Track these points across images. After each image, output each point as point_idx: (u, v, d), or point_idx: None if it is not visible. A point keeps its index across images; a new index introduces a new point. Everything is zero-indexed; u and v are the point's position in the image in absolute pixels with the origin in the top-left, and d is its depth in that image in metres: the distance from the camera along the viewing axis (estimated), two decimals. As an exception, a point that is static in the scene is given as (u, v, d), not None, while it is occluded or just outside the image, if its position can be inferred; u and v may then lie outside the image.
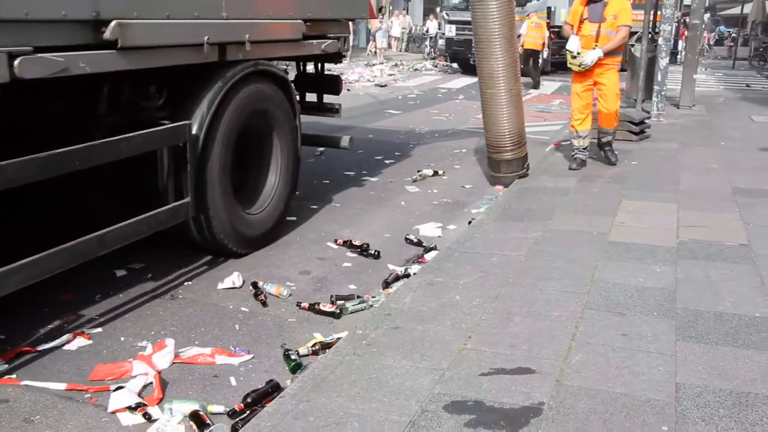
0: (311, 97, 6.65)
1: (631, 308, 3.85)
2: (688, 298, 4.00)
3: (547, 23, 19.53)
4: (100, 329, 3.82)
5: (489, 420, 2.76)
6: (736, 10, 36.76)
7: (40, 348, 3.57)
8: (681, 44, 25.14)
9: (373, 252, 5.10)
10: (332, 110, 6.65)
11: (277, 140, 5.31)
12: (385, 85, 17.28)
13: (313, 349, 3.60)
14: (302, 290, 4.45)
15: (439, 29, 23.36)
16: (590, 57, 6.86)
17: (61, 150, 3.39)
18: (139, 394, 3.12)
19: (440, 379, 3.07)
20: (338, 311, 4.08)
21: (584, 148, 7.34)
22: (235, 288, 4.42)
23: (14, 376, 3.29)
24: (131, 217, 3.92)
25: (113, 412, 2.99)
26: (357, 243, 5.22)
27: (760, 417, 2.82)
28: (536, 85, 17.40)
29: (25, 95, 3.50)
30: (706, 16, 35.02)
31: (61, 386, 3.19)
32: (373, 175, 7.66)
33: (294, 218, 5.89)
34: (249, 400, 3.05)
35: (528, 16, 17.85)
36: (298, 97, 6.58)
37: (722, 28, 33.53)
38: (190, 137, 4.25)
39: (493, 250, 4.80)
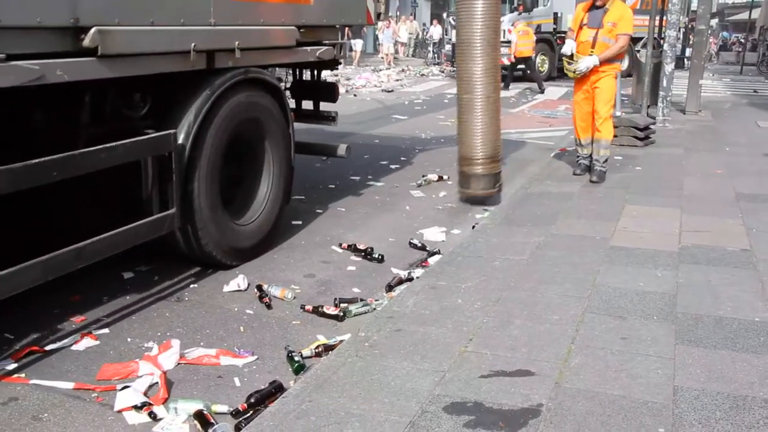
0: (308, 104, 6.57)
1: (631, 312, 3.89)
2: (688, 303, 4.03)
3: (554, 29, 19.65)
4: (107, 330, 3.88)
5: (488, 421, 2.80)
6: (744, 16, 36.76)
7: (49, 348, 3.63)
8: (689, 50, 25.16)
9: (377, 256, 5.15)
10: (328, 118, 6.53)
11: (269, 149, 5.20)
12: (392, 91, 17.36)
13: (317, 351, 3.66)
14: (306, 293, 4.51)
15: (446, 35, 23.44)
16: (585, 63, 6.82)
17: (36, 161, 3.27)
18: (145, 394, 3.17)
19: (440, 381, 3.12)
20: (342, 314, 4.13)
21: (588, 156, 7.36)
22: (241, 291, 4.47)
23: (23, 374, 3.36)
24: (120, 226, 3.83)
25: (119, 411, 3.05)
26: (361, 247, 5.28)
27: (756, 420, 2.85)
28: (542, 90, 17.60)
29: (1, 103, 3.38)
30: (714, 21, 35.02)
31: (69, 385, 3.26)
32: (378, 180, 7.71)
33: (299, 222, 5.95)
34: (252, 400, 3.10)
35: (513, 25, 18.21)
36: (294, 105, 6.48)
37: (726, 33, 33.45)
38: (175, 147, 4.13)
39: (495, 255, 4.85)
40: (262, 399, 3.11)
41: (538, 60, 20.44)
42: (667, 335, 3.61)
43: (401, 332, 3.63)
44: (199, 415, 2.98)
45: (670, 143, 9.48)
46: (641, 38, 12.43)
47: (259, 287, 4.45)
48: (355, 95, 16.04)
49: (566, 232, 5.39)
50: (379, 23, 28.81)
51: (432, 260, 5.00)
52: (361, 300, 4.34)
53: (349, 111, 12.42)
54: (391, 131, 11.12)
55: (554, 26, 19.93)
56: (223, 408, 3.10)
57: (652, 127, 9.65)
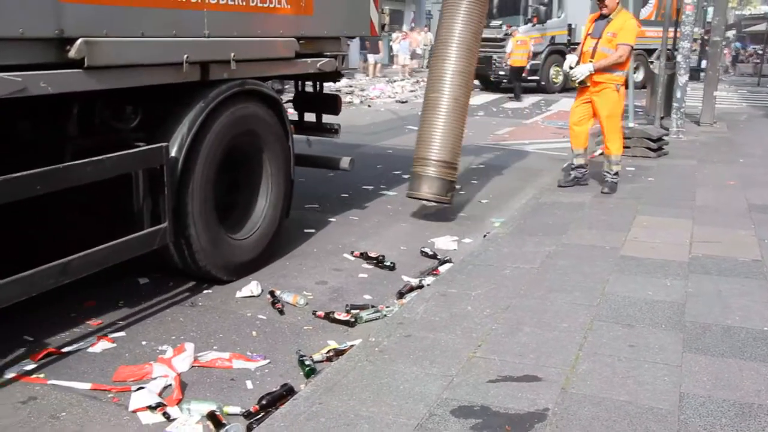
0: (310, 117, 6.46)
1: (639, 320, 3.92)
2: (697, 312, 4.05)
3: (568, 41, 19.70)
4: (123, 333, 3.97)
5: (494, 424, 2.85)
6: (761, 27, 36.56)
7: (66, 350, 3.72)
8: (704, 62, 25.07)
9: (388, 264, 5.21)
10: (331, 130, 6.40)
11: (267, 162, 5.08)
12: (406, 101, 17.45)
13: (328, 355, 3.72)
14: (318, 299, 4.57)
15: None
16: (580, 70, 6.82)
17: (16, 174, 3.18)
18: (159, 395, 3.24)
19: (449, 385, 3.16)
20: (353, 320, 4.19)
21: (579, 167, 7.36)
22: (253, 296, 4.55)
23: (42, 375, 3.45)
24: (112, 238, 3.77)
25: (134, 411, 3.13)
26: (373, 255, 5.34)
27: (762, 427, 2.88)
28: (518, 98, 18.18)
29: None
30: (731, 33, 34.85)
31: (86, 386, 3.34)
32: (390, 189, 7.78)
33: (312, 230, 6.03)
34: (264, 402, 3.16)
35: (512, 34, 18.46)
36: (297, 117, 6.37)
37: (738, 44, 33.24)
38: (167, 160, 4.02)
39: (506, 263, 4.89)
40: (274, 401, 3.17)
41: (551, 72, 20.51)
42: (674, 343, 3.63)
43: (411, 338, 3.68)
44: (212, 416, 3.05)
45: (683, 154, 9.48)
46: (656, 50, 12.46)
47: (272, 293, 4.52)
48: (369, 106, 16.15)
49: (577, 241, 5.42)
50: (394, 34, 29.03)
51: (443, 268, 5.05)
52: (372, 306, 4.40)
53: (363, 122, 12.55)
54: (404, 142, 11.16)
55: (568, 38, 19.94)
56: (236, 409, 3.17)
57: (665, 138, 9.67)
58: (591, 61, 6.80)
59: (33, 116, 3.84)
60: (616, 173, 7.12)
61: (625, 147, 9.12)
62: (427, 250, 5.57)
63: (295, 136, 5.58)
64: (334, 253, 5.51)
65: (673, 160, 9.08)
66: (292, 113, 5.90)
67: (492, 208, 7.11)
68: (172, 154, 4.13)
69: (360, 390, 3.12)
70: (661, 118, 11.16)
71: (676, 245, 5.32)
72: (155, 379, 3.40)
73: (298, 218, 6.26)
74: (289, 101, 6.27)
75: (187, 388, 3.38)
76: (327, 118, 6.45)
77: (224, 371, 3.58)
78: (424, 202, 6.42)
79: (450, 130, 6.09)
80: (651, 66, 12.06)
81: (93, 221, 4.27)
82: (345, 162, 6.21)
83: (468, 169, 9.01)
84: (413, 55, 27.81)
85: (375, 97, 18.03)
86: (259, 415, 3.08)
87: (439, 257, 5.40)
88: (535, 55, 19.65)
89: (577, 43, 7.85)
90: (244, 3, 4.56)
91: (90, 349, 3.74)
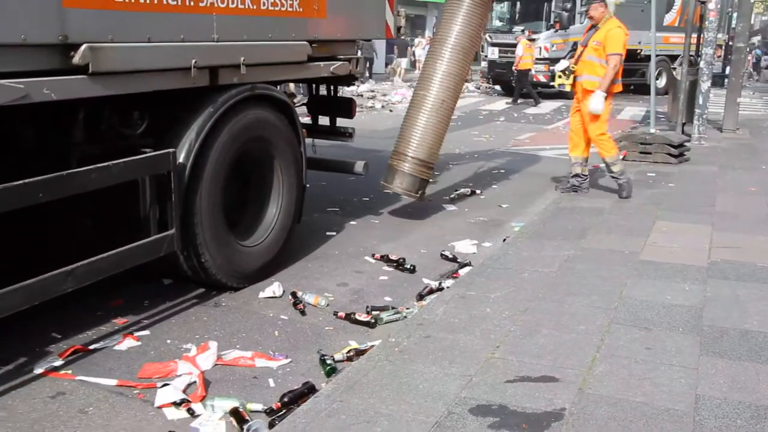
0: (324, 120, 6.38)
1: (657, 324, 3.95)
2: (714, 316, 4.07)
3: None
4: (148, 332, 4.06)
5: (512, 422, 2.90)
6: (786, 33, 36.18)
7: (93, 347, 3.83)
8: (729, 68, 24.85)
9: (409, 266, 5.27)
10: (345, 134, 6.35)
11: (278, 168, 4.98)
12: (428, 107, 17.44)
13: (348, 355, 3.78)
14: (339, 301, 4.64)
15: (482, 51, 23.53)
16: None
17: (20, 182, 3.13)
18: (184, 392, 3.33)
19: (467, 385, 3.22)
20: (373, 321, 4.26)
21: (576, 175, 7.37)
22: (276, 297, 4.63)
23: (70, 371, 3.55)
24: (120, 244, 3.73)
25: (159, 407, 3.21)
26: (393, 257, 5.40)
27: (777, 429, 2.90)
28: (536, 102, 18.34)
29: None
30: (757, 39, 34.51)
31: (112, 382, 3.43)
32: (411, 194, 7.81)
33: (334, 233, 6.11)
34: (286, 399, 3.24)
35: (517, 39, 18.64)
36: (311, 120, 6.34)
37: (759, 51, 32.93)
38: (175, 166, 3.95)
39: (525, 267, 4.94)
40: (295, 399, 3.24)
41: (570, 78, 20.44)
42: (691, 346, 3.66)
43: (430, 339, 3.74)
44: (235, 412, 3.12)
45: (704, 161, 9.45)
46: (678, 56, 12.42)
47: (294, 294, 4.59)
48: (390, 110, 16.22)
49: (596, 246, 5.45)
50: (417, 39, 29.08)
51: (463, 271, 5.10)
52: (393, 308, 4.46)
53: (385, 126, 12.62)
54: (425, 146, 11.23)
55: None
56: (258, 406, 3.24)
57: (687, 144, 9.64)
58: (573, 67, 7.12)
59: (39, 122, 3.81)
60: (621, 172, 7.15)
61: (645, 153, 9.16)
62: (447, 253, 5.63)
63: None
64: (355, 256, 5.58)
65: (694, 166, 9.05)
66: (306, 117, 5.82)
67: (512, 212, 7.15)
68: (180, 160, 4.07)
69: (380, 388, 3.18)
70: (683, 124, 11.12)
71: (695, 250, 5.33)
72: (180, 376, 3.48)
73: (319, 221, 6.35)
74: (303, 104, 6.28)
75: (211, 385, 3.46)
76: (341, 122, 6.44)
77: (247, 369, 3.66)
78: (400, 194, 6.51)
79: (430, 130, 6.21)
80: (673, 72, 11.99)
81: (100, 227, 4.27)
82: (359, 166, 6.17)
83: (488, 175, 9.06)
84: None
85: (397, 102, 18.09)
86: (281, 412, 3.15)
87: (459, 260, 5.45)
88: (557, 60, 19.61)
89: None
90: (254, 6, 4.51)
91: (116, 347, 3.84)
